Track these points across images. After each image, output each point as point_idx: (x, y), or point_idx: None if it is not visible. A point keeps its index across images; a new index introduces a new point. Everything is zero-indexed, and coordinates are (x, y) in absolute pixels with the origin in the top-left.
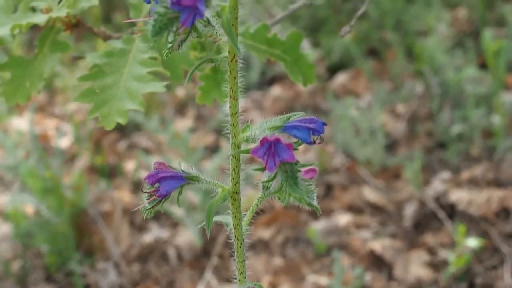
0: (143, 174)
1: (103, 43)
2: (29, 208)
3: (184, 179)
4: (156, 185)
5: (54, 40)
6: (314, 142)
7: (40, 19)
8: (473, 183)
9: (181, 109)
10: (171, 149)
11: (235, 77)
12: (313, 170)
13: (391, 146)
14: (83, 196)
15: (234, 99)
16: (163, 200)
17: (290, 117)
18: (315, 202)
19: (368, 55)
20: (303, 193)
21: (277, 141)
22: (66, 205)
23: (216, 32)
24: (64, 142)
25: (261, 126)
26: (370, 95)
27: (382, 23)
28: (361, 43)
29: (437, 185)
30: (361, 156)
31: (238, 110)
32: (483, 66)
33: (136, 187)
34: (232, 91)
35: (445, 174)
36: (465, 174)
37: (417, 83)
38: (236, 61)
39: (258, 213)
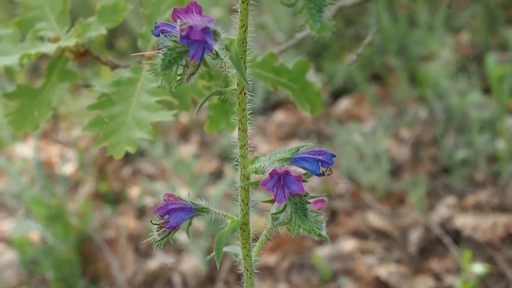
0: (148, 200)
1: (108, 70)
2: (34, 235)
3: (193, 211)
4: (166, 216)
5: (62, 69)
6: (323, 174)
7: (49, 48)
8: (478, 208)
9: (185, 134)
10: (176, 175)
11: (244, 109)
12: (322, 200)
13: (396, 171)
14: (88, 223)
15: (243, 131)
16: (173, 231)
17: (299, 149)
18: (324, 232)
19: (371, 80)
20: (313, 225)
21: (287, 173)
22: (71, 232)
23: (225, 65)
24: (68, 169)
25: (270, 157)
26: (373, 120)
27: (385, 48)
28: (364, 68)
29: (442, 210)
30: (366, 181)
31: (247, 141)
32: (487, 90)
33: (141, 213)
34: (241, 123)
35: (450, 199)
36: (470, 199)
37: (420, 108)
38: (245, 94)
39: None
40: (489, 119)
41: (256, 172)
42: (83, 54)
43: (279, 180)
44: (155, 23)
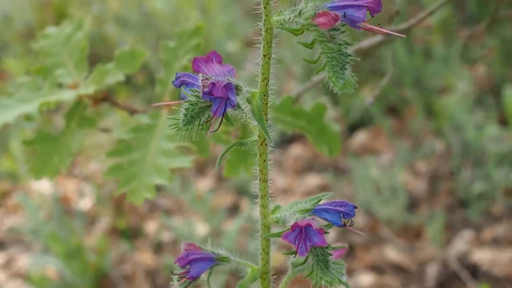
0: (165, 235)
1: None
2: (51, 271)
3: (214, 260)
4: (187, 267)
5: (81, 115)
6: (345, 225)
7: (68, 96)
8: (496, 242)
9: (201, 168)
10: (193, 210)
11: (264, 160)
12: (342, 248)
13: (413, 204)
14: (105, 259)
15: (263, 181)
16: (194, 281)
17: (320, 199)
18: (344, 279)
19: (387, 112)
20: (334, 277)
21: (308, 226)
22: (88, 268)
23: (246, 115)
24: (85, 204)
25: (291, 208)
26: (390, 153)
27: (401, 80)
28: (381, 101)
29: (459, 244)
30: (383, 215)
31: (267, 192)
32: (504, 123)
33: (158, 248)
34: (262, 173)
35: (467, 233)
36: (487, 233)
37: (437, 141)
38: (265, 145)
39: (278, 274)
40: (507, 152)
41: (277, 222)
42: (102, 100)
43: (301, 233)
44: (176, 73)
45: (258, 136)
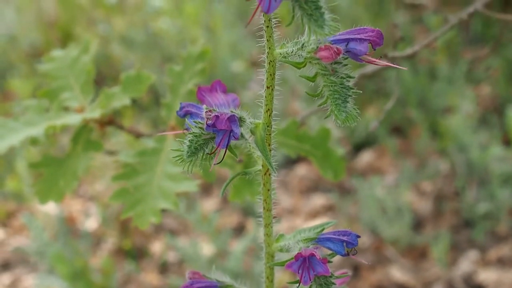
0: (171, 255)
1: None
2: None
3: None
4: None
5: (87, 139)
6: (348, 254)
7: (74, 120)
8: (501, 262)
9: (207, 188)
10: (198, 231)
11: (268, 190)
12: (346, 276)
13: (418, 224)
14: (111, 280)
15: (267, 210)
16: None
17: (323, 228)
18: None
19: (392, 132)
20: None
21: (312, 255)
22: None
23: (250, 145)
24: (91, 224)
25: (294, 236)
26: (395, 173)
27: (405, 100)
28: (385, 120)
29: (464, 265)
30: (388, 235)
31: (271, 220)
32: (508, 143)
33: (164, 269)
34: (266, 202)
35: (473, 254)
36: (492, 254)
37: (442, 161)
38: (269, 175)
39: None
40: (511, 172)
41: (281, 250)
42: (108, 123)
43: (304, 262)
44: (180, 103)
45: (262, 166)
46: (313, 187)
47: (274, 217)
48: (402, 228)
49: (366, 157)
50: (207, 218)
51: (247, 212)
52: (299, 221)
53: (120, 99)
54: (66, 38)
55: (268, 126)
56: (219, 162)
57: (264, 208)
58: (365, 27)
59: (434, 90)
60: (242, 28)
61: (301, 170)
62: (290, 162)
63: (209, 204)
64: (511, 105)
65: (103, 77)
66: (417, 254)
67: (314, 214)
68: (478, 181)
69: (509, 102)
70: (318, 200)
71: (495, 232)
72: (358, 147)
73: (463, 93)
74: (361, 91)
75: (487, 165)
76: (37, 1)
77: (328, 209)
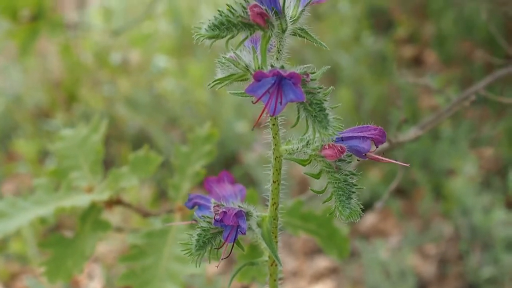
0: None
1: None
2: None
3: None
4: None
5: (95, 219)
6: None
7: (82, 202)
8: None
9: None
10: None
11: (275, 280)
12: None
13: None
14: None
15: None
16: None
17: None
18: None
19: (396, 194)
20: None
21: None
22: None
23: (257, 236)
24: (95, 286)
25: None
26: (399, 235)
27: (409, 162)
28: (389, 182)
29: None
30: None
31: None
32: (510, 206)
33: None
34: None
35: None
36: None
37: (446, 223)
38: (276, 266)
39: None
40: None
41: None
42: (116, 203)
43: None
44: (189, 195)
45: (268, 257)
46: (317, 249)
47: (279, 280)
48: None
49: (370, 219)
50: (211, 281)
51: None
52: (303, 283)
53: (128, 179)
54: (71, 99)
55: (274, 219)
56: (227, 257)
57: None
58: (368, 125)
59: (437, 151)
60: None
61: None
62: None
63: (214, 267)
64: None
65: (108, 138)
66: None
67: (318, 277)
68: (481, 244)
69: (511, 163)
70: (322, 262)
71: None
72: (362, 209)
73: (466, 155)
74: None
75: (491, 228)
76: (42, 62)
77: (332, 271)
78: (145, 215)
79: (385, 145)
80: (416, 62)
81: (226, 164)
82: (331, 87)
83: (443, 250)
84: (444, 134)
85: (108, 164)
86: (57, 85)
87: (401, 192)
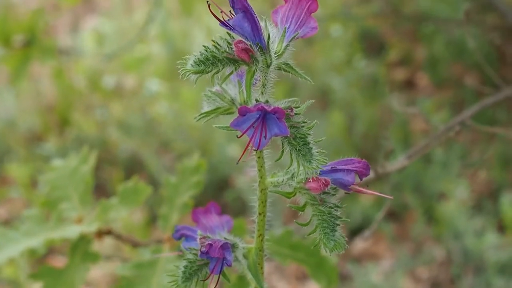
0: None
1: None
2: None
3: None
4: None
5: (85, 250)
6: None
7: (72, 233)
8: None
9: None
10: None
11: None
12: None
13: None
14: None
15: None
16: None
17: None
18: None
19: (388, 217)
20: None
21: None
22: None
23: (243, 267)
24: None
25: None
26: (391, 258)
27: (401, 185)
28: (381, 206)
29: None
30: None
31: None
32: (502, 230)
33: None
34: None
35: None
36: None
37: (438, 247)
38: None
39: None
40: (507, 260)
41: None
42: (106, 233)
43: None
44: (176, 226)
45: (254, 287)
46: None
47: None
48: None
49: (362, 243)
50: None
51: None
52: None
53: (117, 210)
54: (64, 123)
55: (260, 251)
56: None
57: None
58: (352, 158)
59: (429, 175)
60: None
61: None
62: None
63: None
64: (505, 191)
65: (100, 161)
66: None
67: None
68: (474, 268)
69: (504, 187)
70: (314, 287)
71: None
72: (354, 232)
73: (457, 179)
74: (349, 219)
75: (483, 252)
76: (35, 86)
77: None
78: (135, 245)
79: (371, 176)
80: (408, 85)
81: (218, 187)
82: (315, 121)
83: (435, 274)
84: (435, 157)
85: (100, 188)
86: (50, 109)
87: (393, 216)
